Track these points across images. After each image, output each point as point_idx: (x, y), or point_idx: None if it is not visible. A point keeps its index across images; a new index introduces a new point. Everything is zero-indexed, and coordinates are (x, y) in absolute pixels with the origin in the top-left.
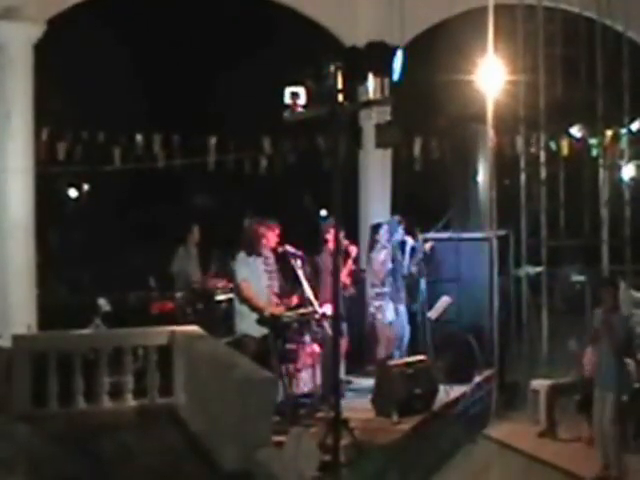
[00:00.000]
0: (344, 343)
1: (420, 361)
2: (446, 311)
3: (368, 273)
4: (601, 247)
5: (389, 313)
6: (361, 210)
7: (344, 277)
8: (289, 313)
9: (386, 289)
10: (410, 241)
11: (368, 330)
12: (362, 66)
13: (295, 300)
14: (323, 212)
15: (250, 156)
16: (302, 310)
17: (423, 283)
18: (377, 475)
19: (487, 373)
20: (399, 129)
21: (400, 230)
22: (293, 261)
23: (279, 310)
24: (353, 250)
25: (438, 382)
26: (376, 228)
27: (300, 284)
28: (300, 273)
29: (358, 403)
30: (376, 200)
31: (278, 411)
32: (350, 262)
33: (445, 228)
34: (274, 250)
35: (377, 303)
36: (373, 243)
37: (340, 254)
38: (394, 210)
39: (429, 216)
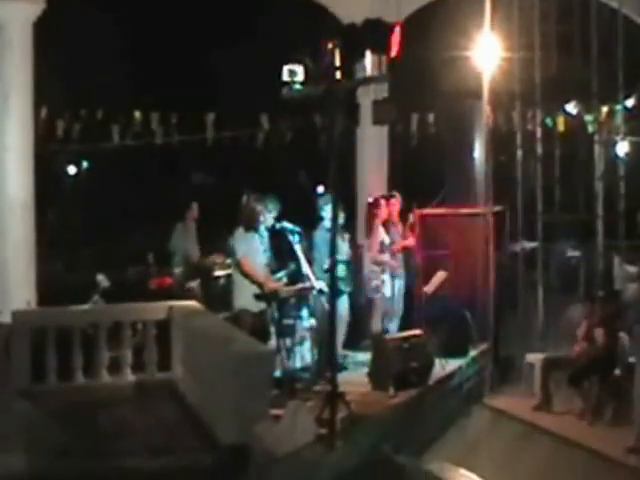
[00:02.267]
0: (345, 314)
1: (416, 335)
2: (442, 286)
3: (367, 247)
4: (596, 222)
5: (388, 287)
6: (358, 186)
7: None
8: (287, 288)
9: (386, 261)
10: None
11: (365, 304)
12: (360, 43)
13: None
14: (320, 189)
15: (248, 133)
16: (299, 285)
17: (419, 257)
18: (373, 448)
19: (482, 347)
20: (396, 106)
21: (396, 206)
22: (290, 237)
23: (277, 285)
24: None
25: (434, 356)
26: (375, 203)
27: (294, 260)
28: (298, 248)
29: (354, 377)
30: (373, 176)
31: (276, 385)
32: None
33: (441, 204)
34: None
35: (380, 278)
36: (372, 218)
37: (337, 230)
38: (391, 186)
39: (426, 192)
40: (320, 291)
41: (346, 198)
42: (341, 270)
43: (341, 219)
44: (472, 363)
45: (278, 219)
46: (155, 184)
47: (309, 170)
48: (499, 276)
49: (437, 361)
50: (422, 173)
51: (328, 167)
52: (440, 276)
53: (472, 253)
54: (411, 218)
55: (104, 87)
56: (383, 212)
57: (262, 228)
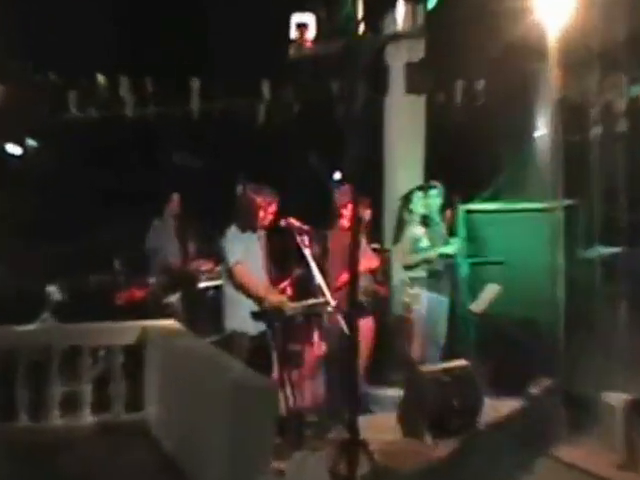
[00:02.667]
0: (369, 335)
1: (460, 367)
2: (494, 303)
3: (397, 253)
4: None
5: (425, 304)
6: (385, 174)
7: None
8: (294, 304)
9: (422, 274)
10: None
11: (395, 325)
12: None
13: (288, 289)
14: (336, 176)
15: (244, 104)
16: (310, 301)
17: (465, 266)
18: None
19: (547, 383)
20: (435, 70)
21: (437, 200)
22: (299, 238)
23: (281, 300)
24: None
25: (483, 393)
26: (409, 197)
27: (302, 267)
28: (307, 253)
29: (380, 420)
30: (405, 161)
31: (279, 430)
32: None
33: (493, 197)
34: (268, 227)
35: (412, 291)
36: (404, 215)
37: (358, 230)
38: (428, 174)
39: (473, 182)
40: (338, 307)
41: (370, 188)
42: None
43: (366, 216)
44: (534, 403)
45: (283, 215)
46: (124, 169)
47: (322, 152)
48: (569, 290)
49: (488, 400)
50: (468, 157)
51: (347, 149)
52: (491, 290)
53: (534, 261)
54: (448, 214)
55: (57, 43)
56: (419, 207)
57: (260, 228)
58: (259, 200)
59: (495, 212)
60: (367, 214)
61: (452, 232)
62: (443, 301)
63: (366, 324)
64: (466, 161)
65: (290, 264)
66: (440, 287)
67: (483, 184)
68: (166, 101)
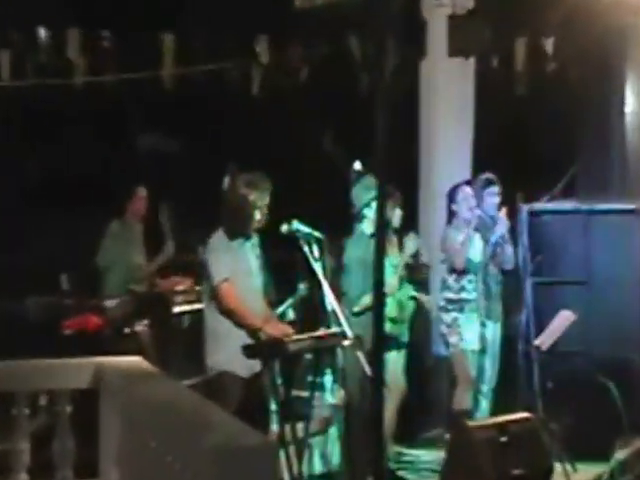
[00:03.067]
0: (400, 384)
1: (521, 421)
2: (568, 336)
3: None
4: None
5: (471, 335)
6: (421, 164)
7: None
8: (299, 336)
9: (467, 294)
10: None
11: (433, 365)
12: None
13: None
14: (357, 165)
15: (234, 69)
16: (320, 332)
17: (528, 286)
18: None
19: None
20: (488, 25)
21: (494, 199)
22: (306, 247)
23: (282, 330)
24: None
25: (553, 457)
26: (452, 194)
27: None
28: (317, 267)
29: None
30: (448, 146)
31: None
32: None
33: (567, 195)
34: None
35: (450, 317)
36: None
37: (386, 232)
38: (478, 165)
39: (538, 175)
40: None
41: (403, 183)
42: (393, 306)
43: (396, 219)
44: (622, 471)
45: (285, 215)
46: (74, 153)
47: (339, 134)
48: None
49: (559, 465)
50: (532, 143)
51: (372, 130)
52: (564, 319)
53: (622, 279)
54: (502, 213)
55: None
56: (468, 207)
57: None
58: (253, 197)
59: (570, 214)
60: (397, 216)
61: (514, 239)
62: (496, 333)
63: (395, 363)
64: (529, 147)
65: (294, 282)
66: (492, 313)
67: (552, 177)
68: (129, 64)
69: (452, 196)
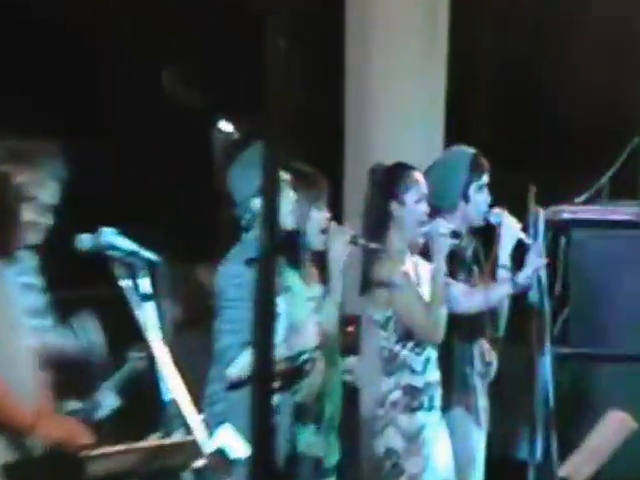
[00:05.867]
0: None
1: None
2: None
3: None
4: None
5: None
6: (349, 128)
7: None
8: (112, 448)
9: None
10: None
11: None
12: None
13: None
14: (223, 125)
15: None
16: (154, 439)
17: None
18: None
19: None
20: None
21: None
22: (126, 282)
23: (70, 430)
24: None
25: None
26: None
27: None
28: (146, 319)
29: None
30: (398, 101)
31: None
32: None
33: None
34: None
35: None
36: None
37: (299, 254)
38: (454, 136)
39: (566, 157)
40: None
41: (327, 163)
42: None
43: (314, 229)
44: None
45: (93, 223)
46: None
47: (188, 67)
48: None
49: None
50: (555, 98)
51: (257, 66)
52: (615, 426)
53: None
54: (505, 217)
55: None
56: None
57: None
58: (23, 179)
59: (618, 225)
60: (316, 224)
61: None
62: (480, 439)
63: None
64: (545, 104)
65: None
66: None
67: (591, 161)
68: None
69: (390, 187)
